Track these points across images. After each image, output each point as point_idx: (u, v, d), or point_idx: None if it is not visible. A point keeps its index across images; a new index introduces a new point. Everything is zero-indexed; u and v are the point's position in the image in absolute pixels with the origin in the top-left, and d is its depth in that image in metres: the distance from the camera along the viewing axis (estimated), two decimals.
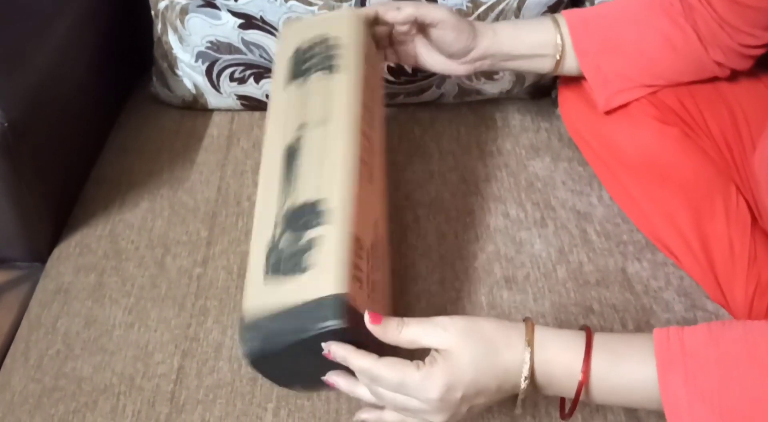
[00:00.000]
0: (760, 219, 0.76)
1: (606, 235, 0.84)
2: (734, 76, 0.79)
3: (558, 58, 0.78)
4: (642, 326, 0.75)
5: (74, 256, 0.81)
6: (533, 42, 0.78)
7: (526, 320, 0.56)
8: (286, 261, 0.56)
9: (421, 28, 0.77)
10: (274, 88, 0.72)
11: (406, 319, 0.55)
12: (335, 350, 0.54)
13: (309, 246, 0.56)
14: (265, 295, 0.55)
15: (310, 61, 0.71)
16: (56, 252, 0.82)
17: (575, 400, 0.54)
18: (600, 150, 0.85)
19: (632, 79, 0.79)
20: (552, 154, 0.94)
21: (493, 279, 0.78)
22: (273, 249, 0.58)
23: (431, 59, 0.79)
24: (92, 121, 0.94)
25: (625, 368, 0.53)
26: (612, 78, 0.79)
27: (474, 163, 0.92)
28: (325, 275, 0.54)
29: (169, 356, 0.71)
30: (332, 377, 0.58)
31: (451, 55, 0.78)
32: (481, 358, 0.53)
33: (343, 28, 0.73)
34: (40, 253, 0.83)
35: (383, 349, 0.54)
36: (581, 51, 0.78)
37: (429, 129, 0.97)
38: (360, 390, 0.57)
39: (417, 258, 0.80)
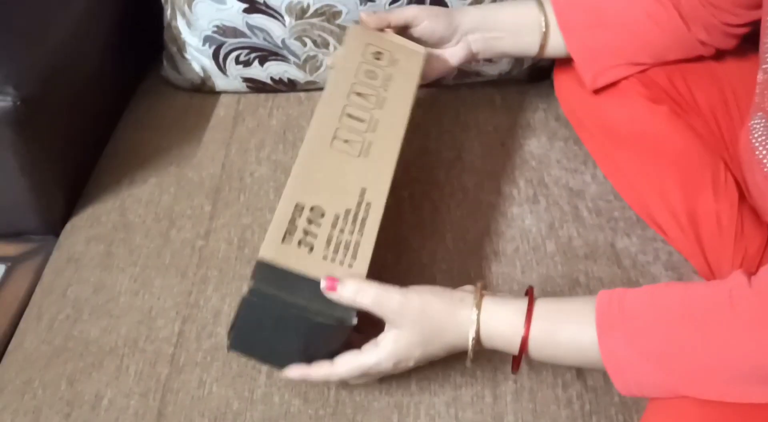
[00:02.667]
0: (748, 196, 0.77)
1: (597, 212, 0.85)
2: (723, 54, 0.80)
3: (543, 36, 0.80)
4: None
5: (86, 228, 0.85)
6: (516, 16, 0.80)
7: (477, 285, 0.60)
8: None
9: (403, 33, 0.81)
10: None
11: (364, 287, 0.58)
12: (293, 376, 0.62)
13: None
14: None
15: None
16: (69, 225, 0.87)
17: (517, 359, 0.59)
18: (593, 128, 0.87)
19: (620, 55, 0.80)
20: (548, 133, 0.95)
21: (482, 253, 0.81)
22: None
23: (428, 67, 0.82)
24: (106, 99, 0.98)
25: (564, 332, 0.57)
26: (599, 54, 0.80)
27: (471, 142, 0.94)
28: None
29: (170, 321, 0.75)
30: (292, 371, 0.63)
31: (439, 42, 0.81)
32: (431, 339, 0.59)
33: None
34: (53, 226, 0.87)
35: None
36: (567, 28, 0.79)
37: (429, 109, 0.99)
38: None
39: (410, 231, 0.83)
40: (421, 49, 0.80)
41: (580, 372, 0.70)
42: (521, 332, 0.57)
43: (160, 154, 0.94)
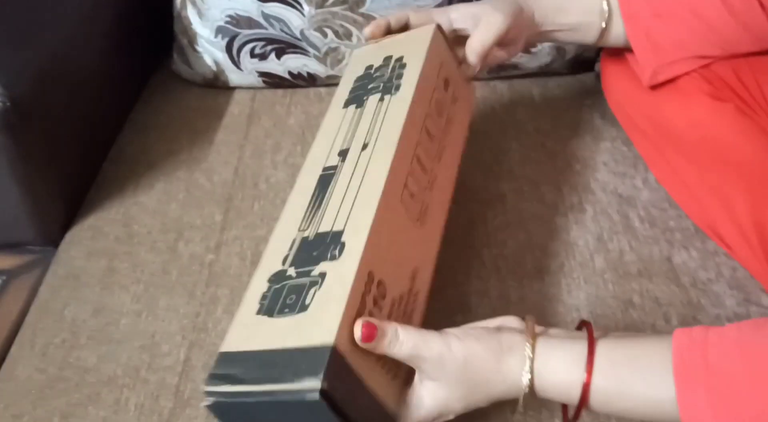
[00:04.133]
0: None
1: (651, 221, 0.78)
2: None
3: (604, 25, 0.72)
4: (689, 321, 0.69)
5: (86, 240, 0.79)
6: (579, 9, 0.73)
7: (527, 324, 0.51)
8: (283, 299, 0.50)
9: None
10: (329, 110, 0.67)
11: (401, 334, 0.49)
12: None
13: (312, 284, 0.50)
14: (250, 333, 0.49)
15: (371, 83, 0.66)
16: (69, 235, 0.81)
17: (576, 413, 0.50)
18: (646, 128, 0.79)
19: (687, 47, 0.72)
20: (593, 132, 0.88)
21: (523, 270, 0.73)
22: (273, 283, 0.52)
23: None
24: (111, 98, 0.92)
25: (634, 391, 0.48)
26: (663, 46, 0.72)
27: (508, 143, 0.87)
28: (319, 319, 0.47)
29: (175, 347, 0.68)
30: None
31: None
32: (473, 392, 0.50)
33: (411, 48, 0.67)
34: (52, 237, 0.81)
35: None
36: (629, 14, 0.72)
37: None
38: None
39: (442, 245, 0.75)
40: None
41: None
42: (581, 381, 0.48)
43: (168, 157, 0.88)
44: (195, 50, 0.93)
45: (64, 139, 0.80)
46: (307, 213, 0.56)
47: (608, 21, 0.73)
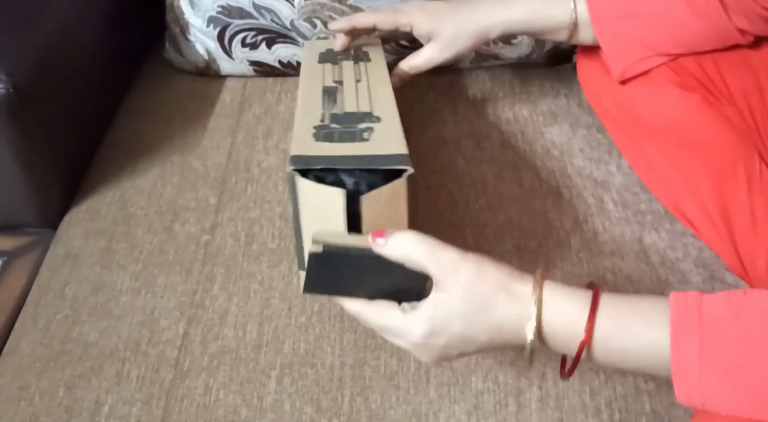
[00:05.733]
0: None
1: (623, 204, 0.81)
2: (758, 41, 0.76)
3: (572, 28, 0.76)
4: None
5: (84, 222, 0.81)
6: (548, 16, 0.76)
7: (536, 274, 0.53)
8: (339, 134, 0.58)
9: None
10: (305, 66, 0.79)
11: (420, 238, 0.53)
12: (350, 310, 0.56)
13: (364, 130, 0.59)
14: (319, 149, 0.56)
15: (339, 56, 0.80)
16: (67, 217, 0.83)
17: (576, 360, 0.52)
18: (619, 116, 0.82)
19: (653, 47, 0.76)
20: (570, 120, 0.91)
21: (503, 248, 0.77)
22: (320, 129, 0.59)
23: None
24: (105, 85, 0.94)
25: (633, 331, 0.50)
26: (631, 46, 0.75)
27: (489, 129, 0.90)
28: (387, 141, 0.57)
29: (174, 322, 0.71)
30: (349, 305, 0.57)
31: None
32: (476, 314, 0.52)
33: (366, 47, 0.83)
34: (51, 219, 0.83)
35: None
36: (598, 18, 0.75)
37: (444, 95, 0.95)
38: None
39: (426, 225, 0.78)
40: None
41: (609, 377, 0.66)
42: (584, 323, 0.50)
43: (162, 142, 0.90)
44: (187, 39, 0.96)
45: (62, 124, 0.82)
46: (325, 106, 0.64)
47: (576, 23, 0.76)
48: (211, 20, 0.92)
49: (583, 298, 0.52)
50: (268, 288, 0.73)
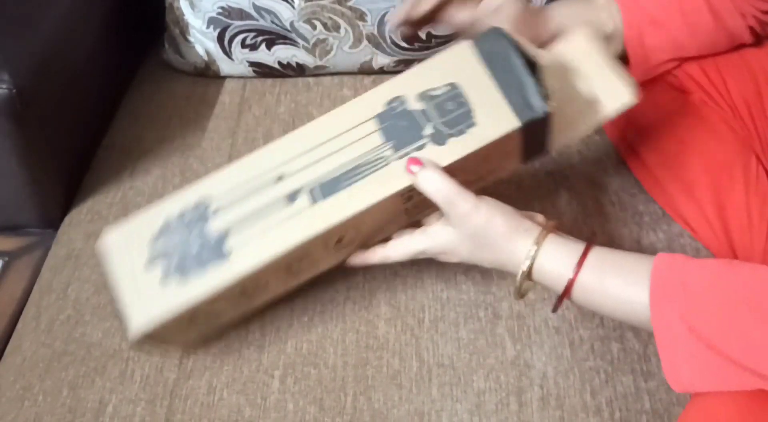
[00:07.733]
0: None
1: (621, 205, 0.82)
2: (758, 47, 0.77)
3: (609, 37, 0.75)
4: None
5: (85, 223, 0.81)
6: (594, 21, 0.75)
7: (548, 223, 0.60)
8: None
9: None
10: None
11: (445, 180, 0.57)
12: (354, 263, 0.65)
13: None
14: None
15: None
16: (68, 218, 0.83)
17: (559, 300, 0.58)
18: (618, 119, 0.82)
19: (676, 51, 0.76)
20: None
21: None
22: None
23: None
24: (104, 87, 0.94)
25: (613, 284, 0.55)
26: (653, 51, 0.76)
27: None
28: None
29: None
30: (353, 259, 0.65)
31: None
32: (480, 250, 0.60)
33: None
34: (52, 220, 0.83)
35: None
36: (630, 24, 0.74)
37: None
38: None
39: None
40: None
41: (609, 377, 0.67)
42: (569, 275, 0.56)
43: (162, 143, 0.90)
44: (187, 40, 0.96)
45: (63, 125, 0.82)
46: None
47: (611, 37, 0.75)
48: (211, 21, 0.92)
49: (576, 249, 0.57)
50: None
